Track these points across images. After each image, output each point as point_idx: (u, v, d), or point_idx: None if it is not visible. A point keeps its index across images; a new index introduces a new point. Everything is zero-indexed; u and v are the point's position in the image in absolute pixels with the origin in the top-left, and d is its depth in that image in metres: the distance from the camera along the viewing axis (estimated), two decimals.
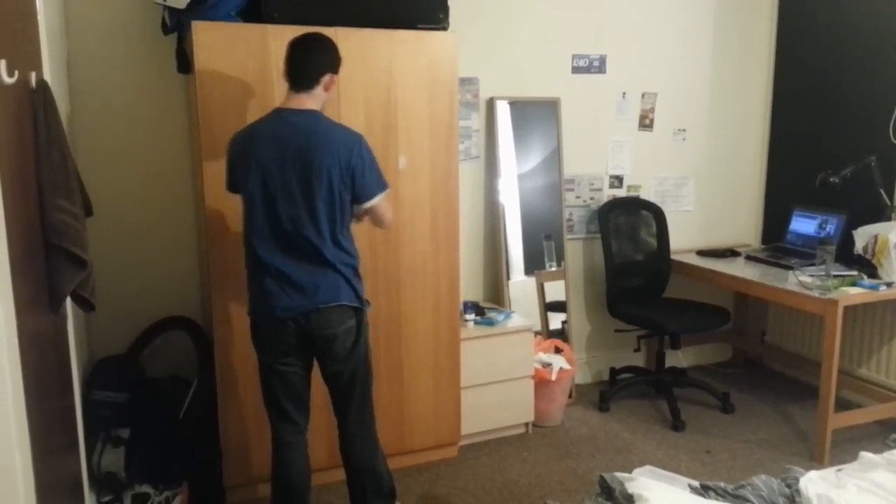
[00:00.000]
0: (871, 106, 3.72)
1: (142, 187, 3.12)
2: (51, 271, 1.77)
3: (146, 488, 2.64)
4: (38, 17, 2.06)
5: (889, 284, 3.23)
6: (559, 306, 3.93)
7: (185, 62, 2.91)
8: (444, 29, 3.00)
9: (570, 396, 3.82)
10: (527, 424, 3.51)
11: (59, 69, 2.64)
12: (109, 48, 3.00)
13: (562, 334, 3.92)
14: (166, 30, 2.88)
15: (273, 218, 2.26)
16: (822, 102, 4.01)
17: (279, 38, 2.70)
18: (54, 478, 1.81)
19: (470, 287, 3.20)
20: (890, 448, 2.13)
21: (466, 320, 3.33)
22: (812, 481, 1.88)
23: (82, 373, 2.67)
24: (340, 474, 3.04)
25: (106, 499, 2.63)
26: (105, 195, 2.93)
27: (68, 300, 2.02)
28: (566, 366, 3.58)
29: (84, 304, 1.97)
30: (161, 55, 3.02)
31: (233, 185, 2.38)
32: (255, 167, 2.25)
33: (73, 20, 2.92)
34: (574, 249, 4.06)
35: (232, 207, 2.71)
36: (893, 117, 3.58)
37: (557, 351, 3.68)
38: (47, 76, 2.05)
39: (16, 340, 1.40)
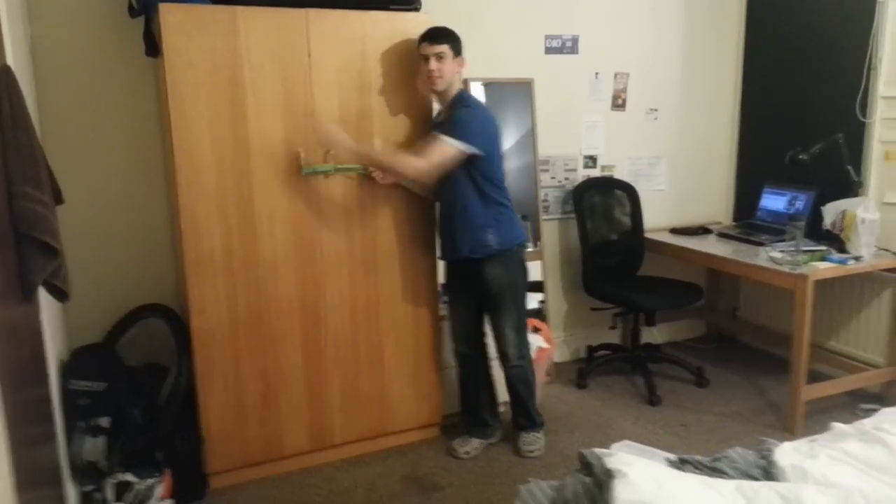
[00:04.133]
0: (838, 84, 3.77)
1: (112, 173, 3.06)
2: (22, 261, 1.75)
3: (128, 476, 2.63)
4: None
5: (857, 258, 3.30)
6: (536, 286, 3.96)
7: (153, 45, 2.84)
8: (416, 10, 2.98)
9: (548, 375, 3.86)
10: (506, 403, 3.53)
11: (23, 54, 2.58)
12: (75, 32, 2.93)
13: (539, 314, 3.95)
14: (133, 12, 2.82)
15: None
16: (792, 81, 4.06)
17: (249, 19, 2.66)
18: (32, 468, 1.79)
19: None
20: (860, 418, 2.19)
21: (445, 303, 3.34)
22: (786, 452, 1.93)
23: (59, 363, 2.64)
24: (323, 458, 3.07)
25: (88, 488, 2.61)
26: (75, 182, 2.87)
27: (41, 290, 1.99)
28: (544, 345, 3.61)
29: (57, 293, 1.95)
30: (128, 38, 2.95)
31: None
32: None
33: (36, 3, 2.84)
34: (550, 230, 4.09)
35: (203, 194, 2.68)
36: (860, 94, 3.63)
37: (535, 330, 3.70)
38: (10, 61, 2.00)
39: None
